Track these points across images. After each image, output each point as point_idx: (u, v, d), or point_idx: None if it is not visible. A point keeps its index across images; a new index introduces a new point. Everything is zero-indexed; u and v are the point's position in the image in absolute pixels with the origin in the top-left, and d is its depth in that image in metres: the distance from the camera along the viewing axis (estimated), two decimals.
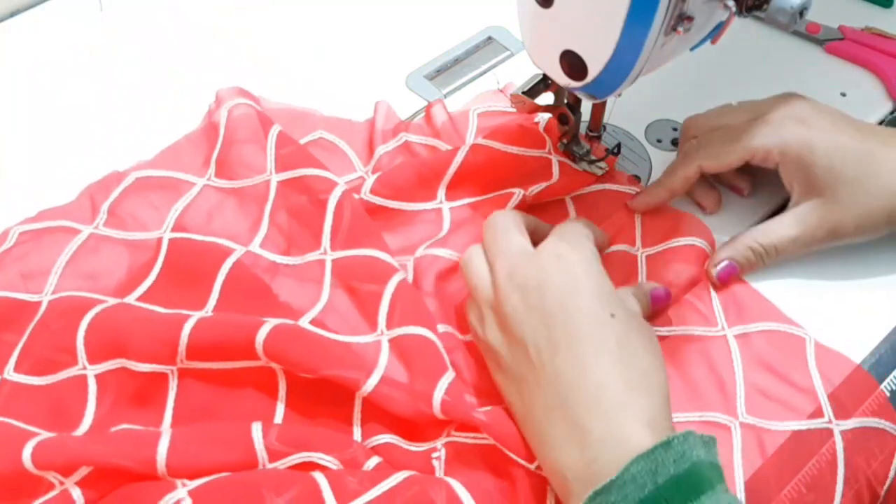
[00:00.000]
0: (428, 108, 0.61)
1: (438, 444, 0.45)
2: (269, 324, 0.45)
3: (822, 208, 0.49)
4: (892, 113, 0.62)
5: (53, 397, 0.46)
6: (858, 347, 0.49)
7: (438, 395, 0.44)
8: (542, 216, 0.52)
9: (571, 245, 0.45)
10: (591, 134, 0.56)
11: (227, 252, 0.51)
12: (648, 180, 0.57)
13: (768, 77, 0.63)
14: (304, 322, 0.48)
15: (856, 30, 0.66)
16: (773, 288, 0.52)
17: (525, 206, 0.54)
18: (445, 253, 0.52)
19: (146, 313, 0.47)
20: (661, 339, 0.48)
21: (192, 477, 0.42)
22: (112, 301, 0.49)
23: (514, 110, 0.60)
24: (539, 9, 0.45)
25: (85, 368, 0.46)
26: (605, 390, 0.40)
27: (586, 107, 0.54)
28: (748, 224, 0.55)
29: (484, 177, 0.56)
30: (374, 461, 0.44)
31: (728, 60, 0.63)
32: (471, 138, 0.59)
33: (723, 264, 0.51)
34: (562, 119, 0.55)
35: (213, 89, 0.60)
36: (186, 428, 0.44)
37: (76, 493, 0.42)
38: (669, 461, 0.37)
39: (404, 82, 0.64)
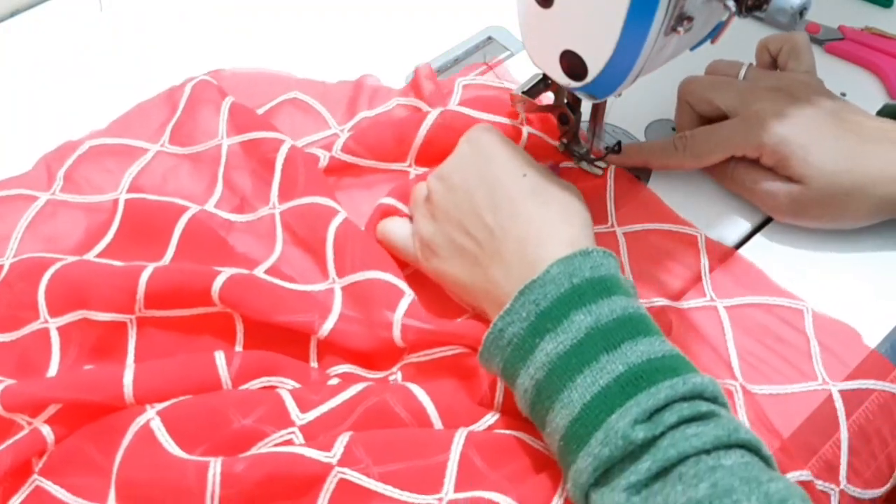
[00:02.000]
0: (417, 72, 0.62)
1: (395, 368, 0.47)
2: (225, 273, 0.47)
3: (795, 191, 0.52)
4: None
5: (18, 352, 0.47)
6: (873, 331, 0.50)
7: (398, 316, 0.46)
8: None
9: (479, 130, 0.50)
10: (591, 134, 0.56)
11: (183, 209, 0.52)
12: (648, 180, 0.58)
13: None
14: (259, 272, 0.49)
15: (856, 30, 0.66)
16: (781, 271, 0.53)
17: None
18: (392, 202, 0.53)
19: (104, 266, 0.49)
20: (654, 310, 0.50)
21: (159, 402, 0.43)
22: (71, 259, 0.50)
23: (498, 84, 0.62)
24: (539, 9, 0.45)
25: (47, 322, 0.47)
26: (530, 227, 0.45)
27: (586, 107, 0.54)
28: (747, 225, 0.55)
29: (452, 141, 0.56)
30: (334, 382, 0.45)
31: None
32: (454, 102, 0.61)
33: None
34: (562, 119, 0.55)
35: None
36: (150, 362, 0.45)
37: (45, 430, 0.43)
38: (586, 267, 0.42)
39: (405, 82, 0.64)
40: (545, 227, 0.45)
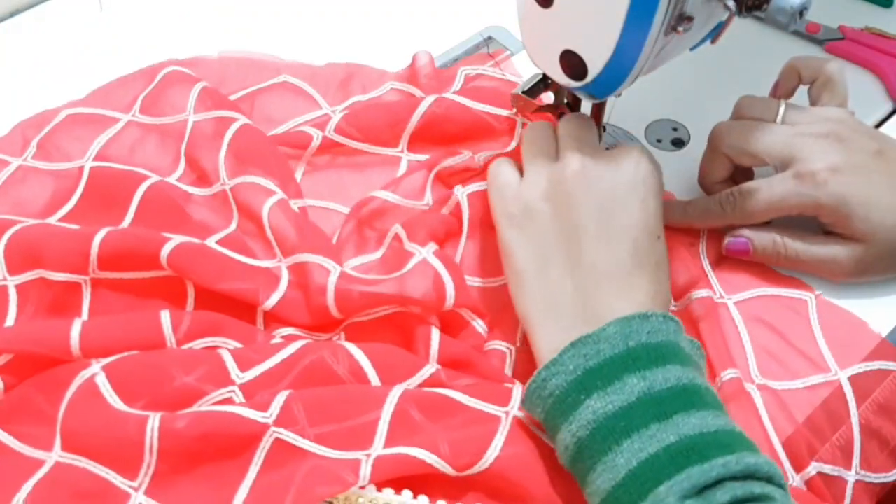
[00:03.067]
0: (415, 58, 0.62)
1: (338, 329, 0.49)
2: (175, 240, 0.48)
3: (857, 250, 0.49)
4: (892, 113, 0.62)
5: None
6: (882, 321, 0.50)
7: (332, 283, 0.47)
8: None
9: (649, 155, 0.47)
10: None
11: (144, 178, 0.53)
12: None
13: (768, 77, 0.63)
14: (212, 241, 0.50)
15: (856, 30, 0.66)
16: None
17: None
18: (384, 195, 0.54)
19: (61, 228, 0.50)
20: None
21: (105, 357, 0.44)
22: (32, 221, 0.51)
23: (501, 76, 0.62)
24: (539, 9, 0.45)
25: (6, 280, 0.49)
26: (633, 292, 0.43)
27: (586, 107, 0.54)
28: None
29: (446, 130, 0.57)
30: (277, 342, 0.46)
31: (728, 60, 0.63)
32: (452, 90, 0.61)
33: (739, 240, 0.52)
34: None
35: None
36: (98, 318, 0.46)
37: None
38: (644, 331, 0.41)
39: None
40: (642, 298, 0.44)
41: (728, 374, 0.47)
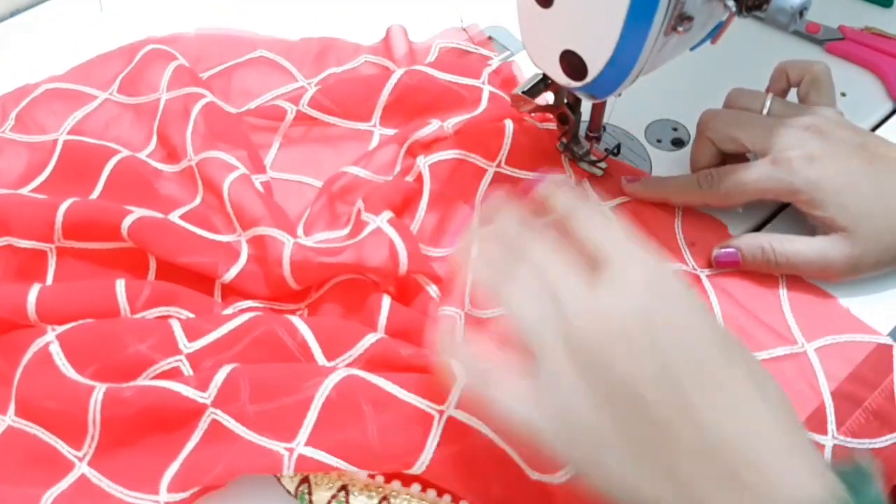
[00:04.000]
0: (389, 31, 0.64)
1: (302, 305, 0.50)
2: (137, 213, 0.49)
3: (843, 243, 0.49)
4: (893, 113, 0.62)
5: None
6: (883, 321, 0.50)
7: (287, 254, 0.47)
8: None
9: (660, 267, 0.35)
10: (591, 134, 0.56)
11: (115, 152, 0.55)
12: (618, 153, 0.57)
13: (768, 77, 0.63)
14: (175, 216, 0.52)
15: (856, 30, 0.66)
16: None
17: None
18: (355, 170, 0.55)
19: (29, 198, 0.52)
20: None
21: (61, 323, 0.45)
22: (3, 191, 0.53)
23: (475, 49, 0.64)
24: (539, 9, 0.45)
25: None
26: (759, 437, 0.32)
27: (586, 107, 0.54)
28: (751, 222, 0.55)
29: (417, 100, 0.59)
30: (229, 312, 0.48)
31: (728, 60, 0.63)
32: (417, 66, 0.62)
33: (728, 250, 0.51)
34: (562, 119, 0.55)
35: None
36: (55, 284, 0.49)
37: None
38: None
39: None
40: (778, 438, 0.32)
41: None
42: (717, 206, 0.53)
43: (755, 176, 0.50)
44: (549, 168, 0.56)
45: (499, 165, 0.55)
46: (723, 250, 0.52)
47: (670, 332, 0.33)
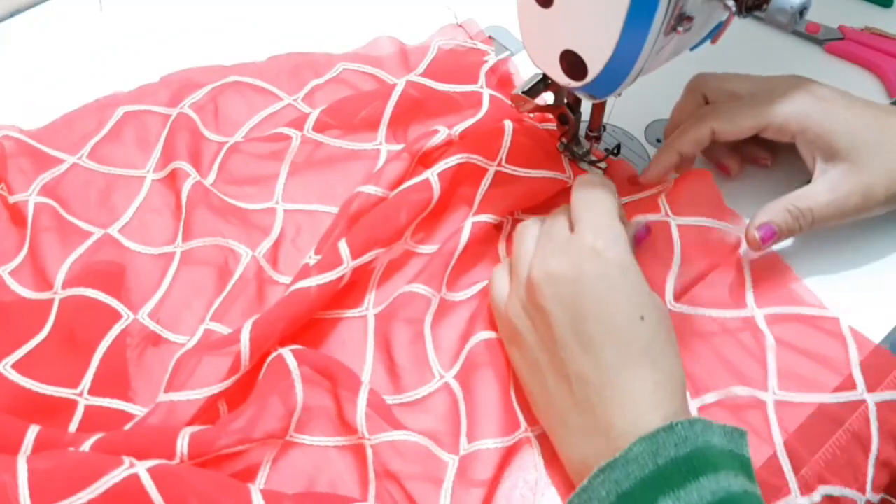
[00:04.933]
0: (375, 40, 0.65)
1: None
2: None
3: (851, 173, 0.49)
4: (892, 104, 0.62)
5: None
6: (879, 326, 0.50)
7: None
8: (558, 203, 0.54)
9: (610, 240, 0.44)
10: (591, 134, 0.56)
11: (89, 234, 0.54)
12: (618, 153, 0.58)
13: None
14: (142, 315, 0.51)
15: (856, 30, 0.66)
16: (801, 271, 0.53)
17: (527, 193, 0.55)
18: (368, 189, 0.54)
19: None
20: (689, 318, 0.50)
21: None
22: None
23: (472, 45, 0.65)
24: (539, 9, 0.45)
25: None
26: (633, 391, 0.41)
27: (586, 107, 0.54)
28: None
29: (419, 112, 0.59)
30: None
31: (728, 60, 0.63)
32: (421, 69, 0.62)
33: (764, 228, 0.50)
34: (562, 119, 0.55)
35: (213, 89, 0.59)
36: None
37: None
38: (671, 444, 0.38)
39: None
40: (647, 394, 0.41)
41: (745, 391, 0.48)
42: (726, 132, 0.52)
43: (749, 105, 0.51)
44: (549, 166, 0.56)
45: (499, 164, 0.55)
46: (760, 229, 0.50)
47: (592, 288, 0.42)
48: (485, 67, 0.62)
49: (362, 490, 0.44)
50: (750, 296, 0.51)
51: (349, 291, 0.51)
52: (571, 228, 0.46)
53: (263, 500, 0.40)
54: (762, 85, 0.53)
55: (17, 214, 0.55)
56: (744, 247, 0.52)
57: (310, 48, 0.65)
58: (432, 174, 0.53)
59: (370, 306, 0.51)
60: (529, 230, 0.49)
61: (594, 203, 0.46)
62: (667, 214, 0.52)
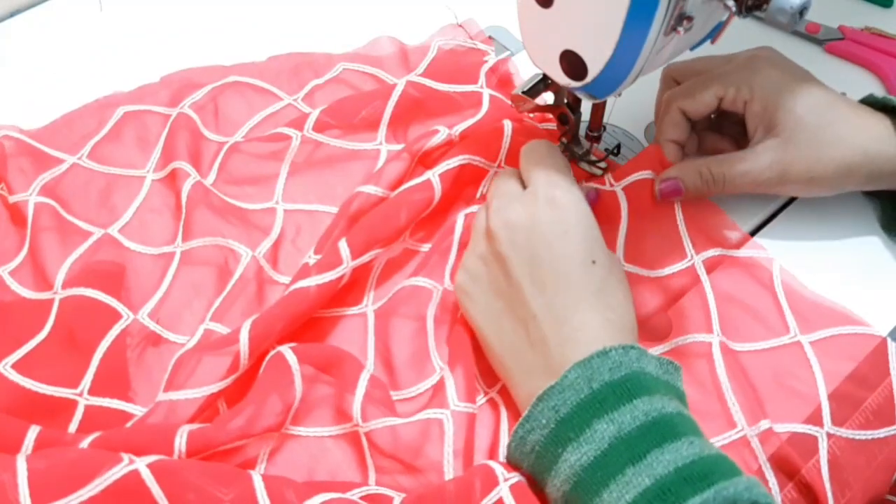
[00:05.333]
0: (375, 40, 0.65)
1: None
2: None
3: (776, 148, 0.51)
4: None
5: None
6: (883, 321, 0.50)
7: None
8: None
9: (562, 189, 0.46)
10: (591, 134, 0.56)
11: (89, 234, 0.54)
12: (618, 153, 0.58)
13: None
14: (142, 315, 0.50)
15: (856, 30, 0.66)
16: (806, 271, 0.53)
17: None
18: (368, 189, 0.54)
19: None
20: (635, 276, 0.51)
21: None
22: None
23: (472, 45, 0.65)
24: (539, 9, 0.45)
25: None
26: (583, 328, 0.43)
27: (586, 107, 0.54)
28: (750, 223, 0.55)
29: (419, 113, 0.60)
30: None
31: None
32: (421, 69, 0.62)
33: (669, 183, 0.52)
34: (562, 119, 0.55)
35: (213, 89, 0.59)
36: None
37: None
38: (605, 369, 0.40)
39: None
40: (597, 330, 0.43)
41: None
42: (688, 107, 0.53)
43: (720, 71, 0.53)
44: None
45: (499, 166, 0.55)
46: (664, 183, 0.52)
47: (547, 234, 0.45)
48: (485, 67, 0.62)
49: (363, 477, 0.45)
50: (689, 246, 0.53)
51: (349, 290, 0.51)
52: (523, 187, 0.48)
53: (265, 486, 0.40)
54: (723, 59, 0.54)
55: (17, 214, 0.55)
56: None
57: (310, 48, 0.65)
58: (434, 175, 0.53)
59: (369, 303, 0.52)
60: (501, 183, 0.50)
61: (544, 159, 0.48)
62: (611, 185, 0.54)
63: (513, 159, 0.55)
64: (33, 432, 0.43)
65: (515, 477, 0.41)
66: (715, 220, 0.54)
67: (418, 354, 0.49)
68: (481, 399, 0.47)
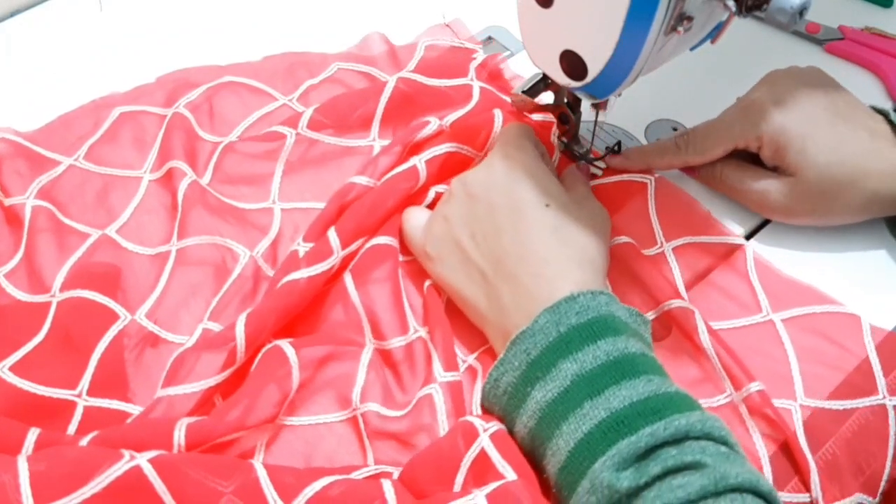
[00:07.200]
0: (365, 38, 0.65)
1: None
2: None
3: (787, 184, 0.52)
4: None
5: None
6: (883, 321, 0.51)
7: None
8: None
9: (515, 146, 0.50)
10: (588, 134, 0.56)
11: (87, 236, 0.54)
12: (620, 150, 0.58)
13: None
14: (140, 315, 0.50)
15: (856, 30, 0.66)
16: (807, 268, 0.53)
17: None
18: (361, 180, 0.54)
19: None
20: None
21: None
22: None
23: (459, 44, 0.65)
24: (539, 9, 0.45)
25: None
26: (545, 264, 0.45)
27: (586, 106, 0.54)
28: (750, 223, 0.55)
29: (411, 109, 0.60)
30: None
31: (728, 60, 0.63)
32: (412, 66, 0.63)
33: (688, 170, 0.56)
34: (562, 119, 0.55)
35: None
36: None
37: None
38: (572, 313, 0.43)
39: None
40: (556, 267, 0.45)
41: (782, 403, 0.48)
42: (697, 162, 0.55)
43: (726, 124, 0.53)
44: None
45: (485, 154, 0.55)
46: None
47: (501, 184, 0.48)
48: (474, 63, 0.63)
49: (362, 458, 0.45)
50: (659, 233, 0.54)
51: (335, 276, 0.52)
52: None
53: (268, 474, 0.41)
54: (734, 107, 0.54)
55: (12, 217, 0.55)
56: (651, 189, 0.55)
57: (303, 48, 0.65)
58: (420, 161, 0.54)
59: (348, 274, 0.51)
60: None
61: (509, 130, 0.52)
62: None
63: None
64: (33, 435, 0.43)
65: (494, 426, 0.42)
66: (687, 210, 0.55)
67: (398, 313, 0.50)
68: (462, 366, 0.48)
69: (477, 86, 0.60)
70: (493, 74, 0.63)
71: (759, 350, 0.49)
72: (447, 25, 0.67)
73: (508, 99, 0.59)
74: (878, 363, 0.48)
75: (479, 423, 0.43)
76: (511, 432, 0.43)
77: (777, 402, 0.46)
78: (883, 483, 0.45)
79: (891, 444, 0.46)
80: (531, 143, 0.51)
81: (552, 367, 0.41)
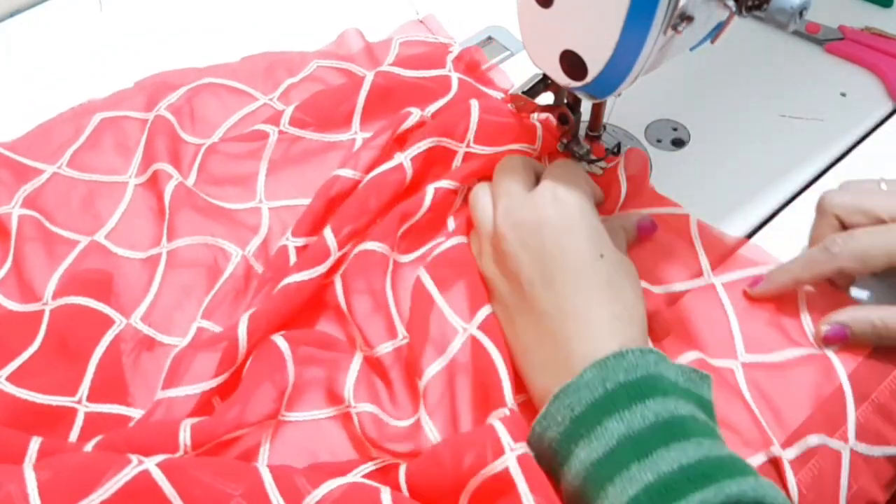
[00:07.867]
0: (342, 34, 0.65)
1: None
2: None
3: None
4: (892, 113, 0.62)
5: None
6: None
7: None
8: None
9: (567, 187, 0.47)
10: (591, 134, 0.56)
11: (76, 243, 0.54)
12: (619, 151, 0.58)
13: (768, 77, 0.63)
14: (135, 319, 0.50)
15: (856, 30, 0.66)
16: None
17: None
18: (345, 173, 0.54)
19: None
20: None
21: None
22: None
23: (433, 40, 0.65)
24: (539, 9, 0.45)
25: None
26: (591, 321, 0.44)
27: (586, 107, 0.54)
28: (750, 223, 0.55)
29: (390, 101, 0.60)
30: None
31: (728, 60, 0.63)
32: (390, 60, 0.63)
33: (834, 329, 0.48)
34: (562, 119, 0.55)
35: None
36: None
37: None
38: (620, 370, 0.41)
39: None
40: (604, 324, 0.43)
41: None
42: (854, 270, 0.48)
43: (892, 241, 0.47)
44: (516, 139, 0.55)
45: (468, 145, 0.55)
46: (830, 327, 0.48)
47: (554, 231, 0.46)
48: (451, 56, 0.63)
49: (362, 452, 0.45)
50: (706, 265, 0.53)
51: (328, 276, 0.52)
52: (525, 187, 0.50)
53: (273, 477, 0.40)
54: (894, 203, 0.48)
55: None
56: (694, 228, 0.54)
57: (279, 47, 0.65)
58: (405, 158, 0.54)
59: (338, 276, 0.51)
60: (483, 192, 0.51)
61: (562, 168, 0.50)
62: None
63: (481, 138, 0.55)
64: (35, 443, 0.42)
65: (521, 448, 0.41)
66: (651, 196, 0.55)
67: (386, 320, 0.50)
68: (464, 335, 0.48)
69: (455, 77, 0.60)
70: (470, 66, 0.63)
71: (702, 316, 0.50)
72: (421, 21, 0.67)
73: (486, 89, 0.60)
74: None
75: (506, 439, 0.41)
76: (556, 489, 0.41)
77: (718, 363, 0.47)
78: None
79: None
80: (585, 183, 0.49)
81: (597, 425, 0.39)
